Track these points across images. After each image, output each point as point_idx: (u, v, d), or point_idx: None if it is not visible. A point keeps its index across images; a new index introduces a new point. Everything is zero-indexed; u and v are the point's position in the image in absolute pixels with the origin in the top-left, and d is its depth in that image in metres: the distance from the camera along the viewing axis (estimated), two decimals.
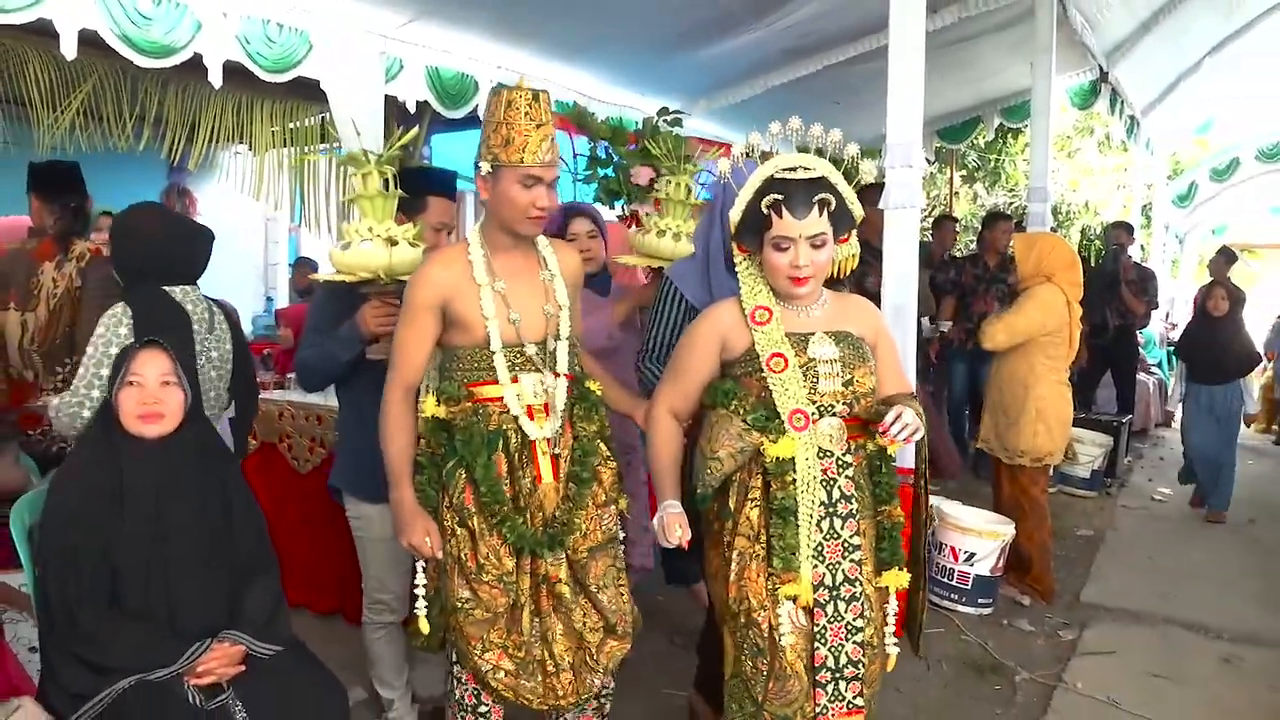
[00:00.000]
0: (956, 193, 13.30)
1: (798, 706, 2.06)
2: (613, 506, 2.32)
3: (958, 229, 7.22)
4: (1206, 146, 13.77)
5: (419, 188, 2.78)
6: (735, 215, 2.14)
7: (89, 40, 4.02)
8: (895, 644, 2.22)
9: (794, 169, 2.05)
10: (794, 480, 2.05)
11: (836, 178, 2.09)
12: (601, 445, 2.30)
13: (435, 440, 2.18)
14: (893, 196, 3.68)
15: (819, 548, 2.08)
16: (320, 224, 6.91)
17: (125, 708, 1.83)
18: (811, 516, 2.06)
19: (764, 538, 2.09)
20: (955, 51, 6.75)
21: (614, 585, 2.30)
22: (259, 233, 9.28)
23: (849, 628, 2.08)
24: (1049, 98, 6.15)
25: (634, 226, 4.20)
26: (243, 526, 2.16)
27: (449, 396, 2.16)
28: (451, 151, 6.84)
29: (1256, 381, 10.08)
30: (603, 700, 2.42)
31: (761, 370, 2.08)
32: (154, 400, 2.06)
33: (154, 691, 1.86)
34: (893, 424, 2.02)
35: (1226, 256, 8.91)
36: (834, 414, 2.10)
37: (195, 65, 4.38)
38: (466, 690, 2.26)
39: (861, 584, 2.11)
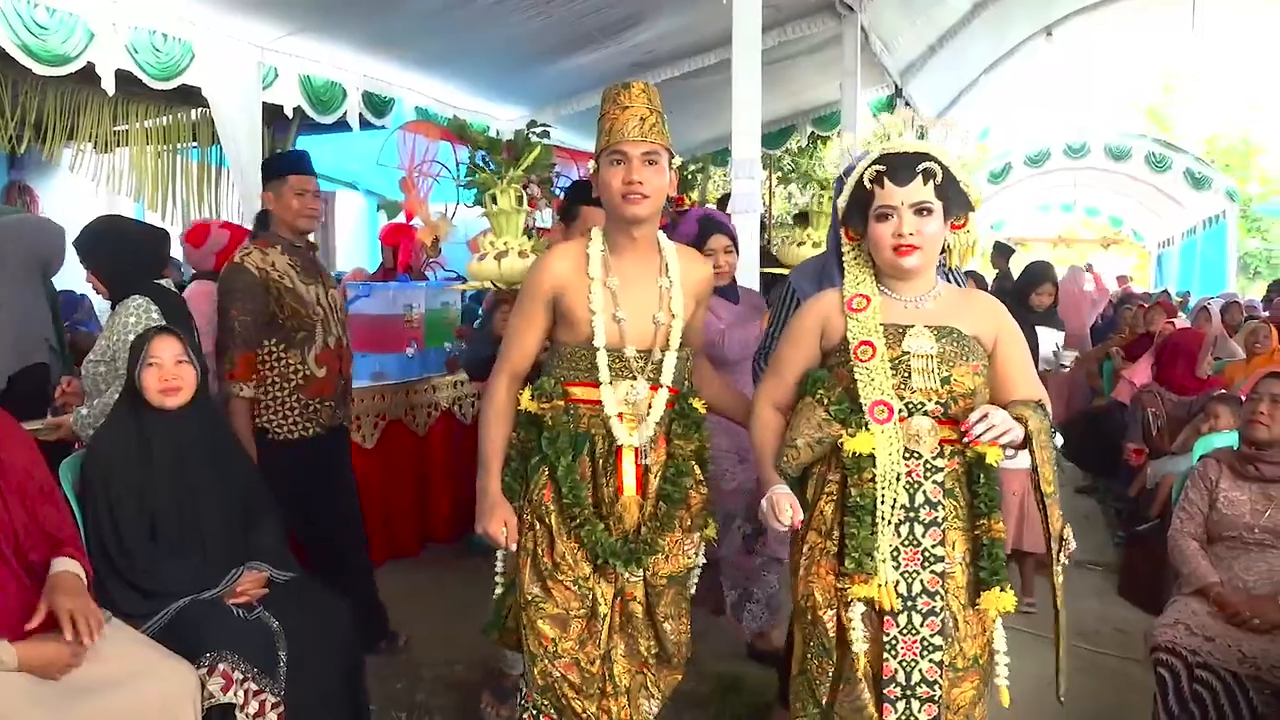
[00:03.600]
0: (772, 193, 14.41)
1: (867, 715, 1.93)
2: (697, 535, 2.22)
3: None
4: (985, 151, 15.56)
5: (575, 199, 3.12)
6: (842, 201, 2.07)
7: None
8: (1007, 678, 2.00)
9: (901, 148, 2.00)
10: (873, 477, 1.93)
11: (948, 159, 2.00)
12: (696, 468, 2.20)
13: (526, 434, 2.14)
14: (738, 203, 4.39)
15: (895, 553, 1.94)
16: (176, 220, 7.01)
17: (188, 619, 2.25)
18: (888, 519, 1.93)
19: (836, 534, 1.99)
20: (776, 69, 7.58)
21: (677, 617, 2.22)
22: None
23: (925, 644, 1.92)
24: (855, 112, 7.11)
25: None
26: (246, 480, 2.59)
27: (543, 392, 2.11)
28: (318, 154, 7.08)
29: None
30: None
31: (851, 360, 1.97)
32: (173, 377, 2.44)
33: (207, 607, 2.29)
34: (976, 423, 1.89)
35: (1001, 250, 9.86)
36: (925, 413, 1.95)
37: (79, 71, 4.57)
38: (531, 708, 2.18)
39: (944, 598, 1.94)
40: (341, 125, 6.36)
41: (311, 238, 3.52)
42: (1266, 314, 7.51)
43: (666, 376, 2.12)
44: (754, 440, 2.14)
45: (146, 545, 2.33)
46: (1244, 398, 2.99)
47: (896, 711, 1.92)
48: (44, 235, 3.60)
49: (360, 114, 6.36)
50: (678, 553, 2.17)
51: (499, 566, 2.24)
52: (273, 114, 5.96)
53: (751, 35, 4.42)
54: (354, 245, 10.77)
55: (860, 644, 1.92)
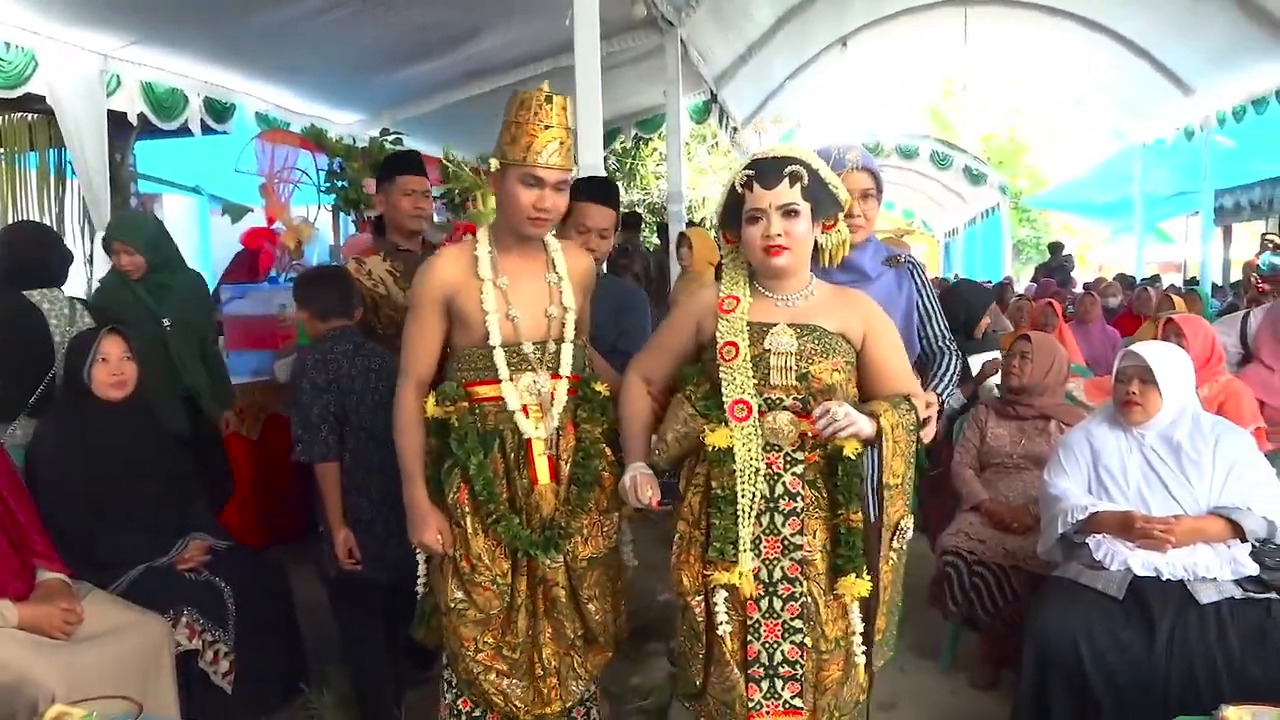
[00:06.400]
0: None
1: (736, 694, 2.02)
2: (615, 515, 2.26)
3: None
4: None
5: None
6: (718, 205, 2.11)
7: None
8: (863, 654, 2.07)
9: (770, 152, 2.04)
10: (733, 471, 1.99)
11: (817, 162, 2.03)
12: (606, 449, 2.24)
13: (437, 442, 2.16)
14: None
15: (755, 541, 2.01)
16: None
17: (147, 583, 2.53)
18: (749, 510, 2.00)
19: (703, 524, 2.05)
20: (604, 77, 8.03)
21: (602, 598, 2.25)
22: None
23: (786, 627, 2.01)
24: (679, 118, 7.74)
25: (368, 232, 5.04)
26: (178, 464, 2.86)
27: (446, 396, 2.13)
28: (155, 159, 7.07)
29: None
30: (588, 705, 2.37)
31: (718, 359, 2.03)
32: (120, 372, 2.70)
33: (162, 572, 2.58)
34: (819, 417, 1.95)
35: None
36: (784, 407, 2.02)
37: None
38: (460, 696, 2.27)
39: (804, 584, 2.03)
40: (183, 131, 6.42)
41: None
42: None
43: (565, 367, 2.19)
44: (620, 411, 2.23)
45: (97, 523, 2.59)
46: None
47: (761, 690, 2.02)
48: None
49: (201, 119, 6.44)
50: (596, 534, 2.22)
51: (420, 570, 2.27)
52: (115, 120, 5.97)
53: (591, 51, 4.91)
54: (184, 249, 10.53)
55: (726, 627, 2.02)
